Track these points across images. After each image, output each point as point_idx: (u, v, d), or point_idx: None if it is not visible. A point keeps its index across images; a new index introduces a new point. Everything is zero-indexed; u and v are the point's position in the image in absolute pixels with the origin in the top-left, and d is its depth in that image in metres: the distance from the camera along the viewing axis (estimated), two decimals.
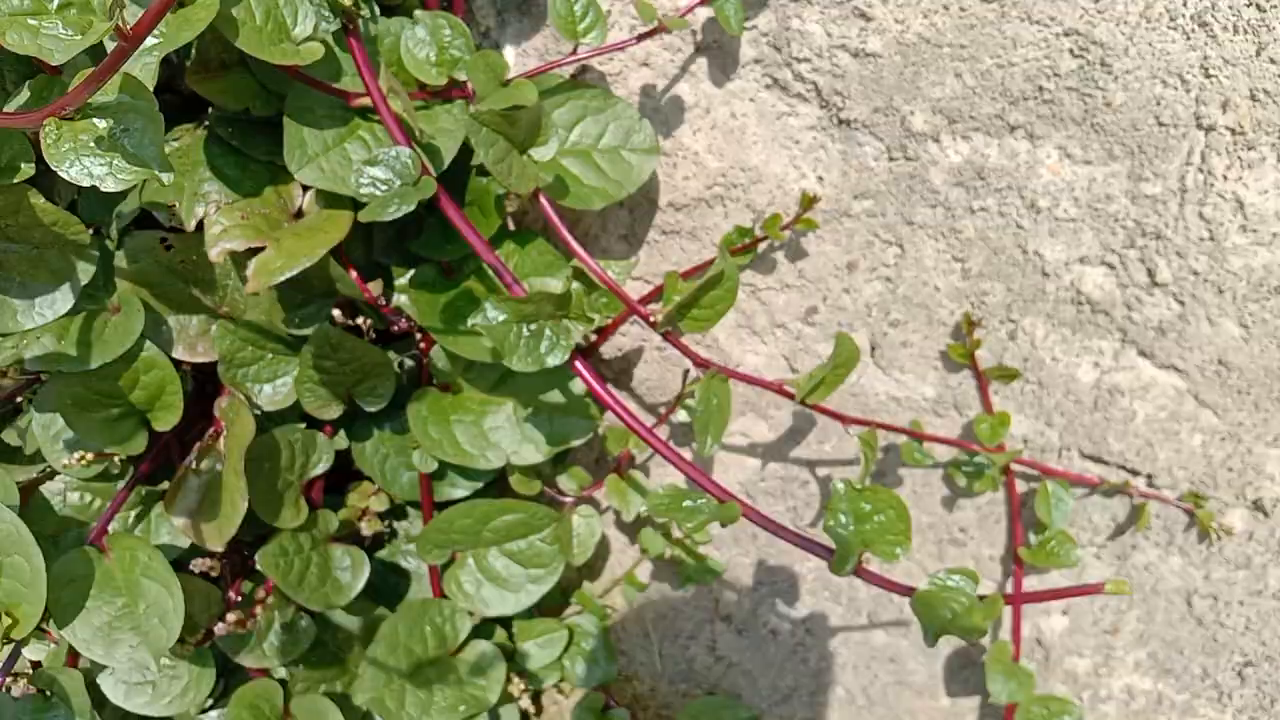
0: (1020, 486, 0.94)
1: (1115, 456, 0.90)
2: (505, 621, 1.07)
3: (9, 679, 0.79)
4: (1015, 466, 0.93)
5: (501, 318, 0.64)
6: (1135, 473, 0.91)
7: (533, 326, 0.66)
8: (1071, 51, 0.77)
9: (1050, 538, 0.91)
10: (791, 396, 0.80)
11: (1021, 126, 0.81)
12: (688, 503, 0.69)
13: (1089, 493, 0.92)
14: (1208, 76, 0.75)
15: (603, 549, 1.16)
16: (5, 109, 0.66)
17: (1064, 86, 0.78)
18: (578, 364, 0.71)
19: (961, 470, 0.93)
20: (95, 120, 0.54)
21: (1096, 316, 0.86)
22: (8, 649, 0.79)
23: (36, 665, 0.92)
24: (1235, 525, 0.90)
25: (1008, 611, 0.98)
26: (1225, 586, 0.93)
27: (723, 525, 0.68)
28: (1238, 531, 0.90)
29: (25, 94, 0.71)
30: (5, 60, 0.70)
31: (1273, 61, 0.73)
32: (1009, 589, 0.98)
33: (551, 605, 1.13)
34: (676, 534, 1.07)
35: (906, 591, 0.63)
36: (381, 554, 1.01)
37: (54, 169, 0.54)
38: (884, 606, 1.05)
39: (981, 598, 0.61)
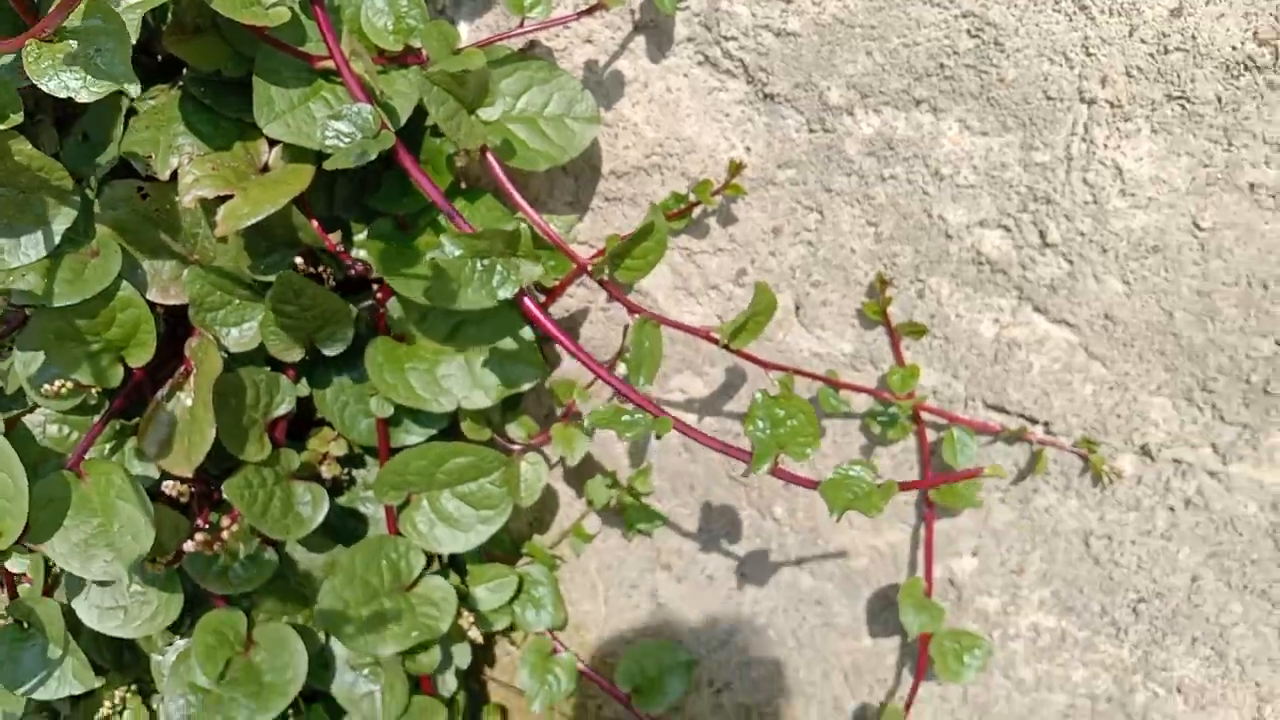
0: (930, 436, 1.03)
1: (1015, 405, 0.99)
2: (459, 568, 1.14)
3: None
4: (926, 416, 1.01)
5: (457, 252, 0.71)
6: (1033, 420, 0.99)
7: (485, 262, 0.74)
8: (969, 32, 0.85)
9: (956, 481, 1.00)
10: (717, 341, 0.88)
11: (926, 101, 0.89)
12: (626, 416, 0.76)
13: (992, 440, 1.01)
14: (1088, 55, 0.83)
15: (551, 503, 1.23)
16: None
17: (962, 64, 0.87)
18: (526, 301, 0.79)
19: (877, 420, 1.01)
20: (70, 41, 0.61)
21: (995, 275, 0.94)
22: None
23: (14, 596, 0.98)
24: (1125, 469, 0.99)
25: (921, 552, 1.07)
26: (1118, 527, 1.02)
27: (657, 437, 0.76)
28: (1127, 475, 0.99)
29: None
30: None
31: (1143, 41, 0.81)
32: (923, 531, 1.06)
33: (503, 555, 1.20)
34: (622, 483, 1.15)
35: (812, 485, 0.71)
36: (341, 500, 1.08)
37: (35, 83, 0.61)
38: (810, 550, 1.13)
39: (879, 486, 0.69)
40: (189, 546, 0.83)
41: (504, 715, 1.34)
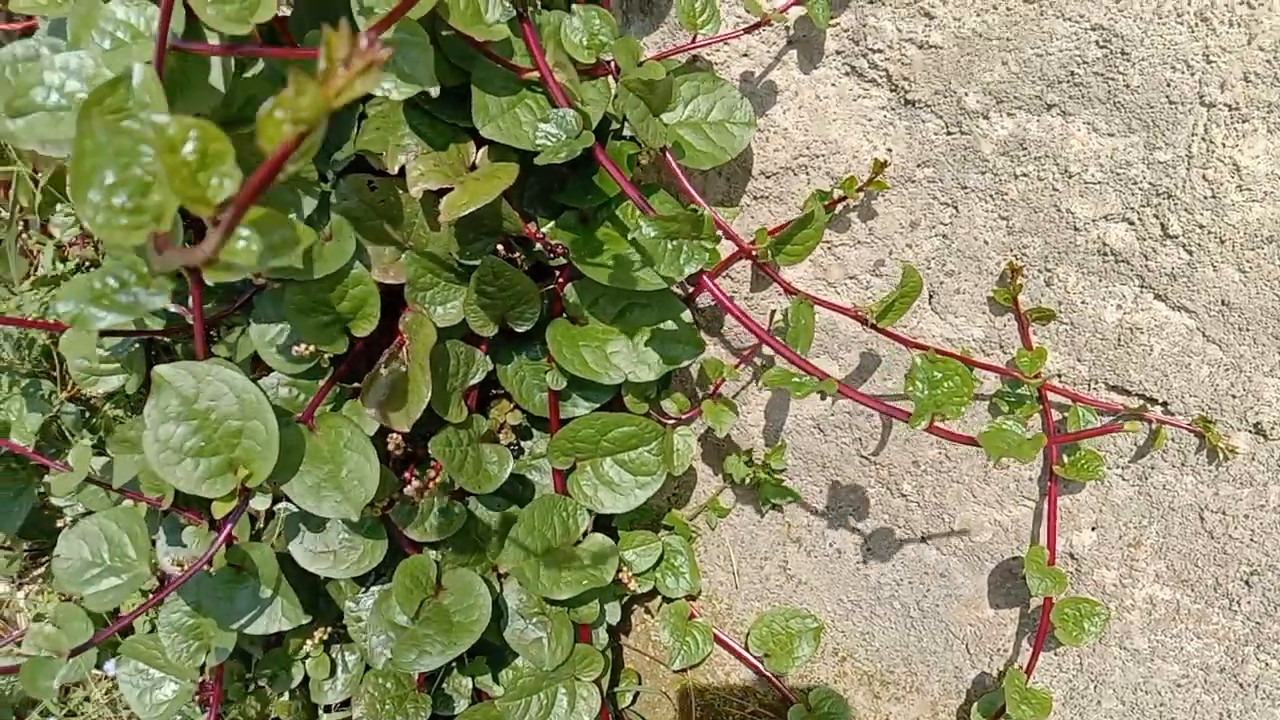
0: (1056, 416, 1.11)
1: (1136, 386, 1.07)
2: (611, 534, 1.25)
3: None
4: (1051, 396, 1.10)
5: (652, 233, 0.83)
6: (1152, 401, 1.07)
7: (674, 242, 0.85)
8: (1097, 43, 0.95)
9: (1081, 456, 1.08)
10: (865, 321, 0.98)
11: (1056, 105, 0.99)
12: (796, 378, 0.87)
13: (1113, 418, 1.09)
14: (1209, 62, 0.92)
15: (690, 480, 1.34)
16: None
17: (1091, 72, 0.96)
18: (705, 277, 0.90)
19: (1005, 399, 1.11)
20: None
21: (1119, 265, 1.03)
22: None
23: (230, 542, 1.12)
24: (1239, 447, 1.06)
25: (1043, 526, 1.15)
26: (1232, 502, 1.09)
27: (823, 398, 0.86)
28: (1241, 452, 1.06)
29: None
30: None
31: (1261, 49, 0.90)
32: (1045, 506, 1.15)
33: (646, 526, 1.31)
34: (757, 460, 1.25)
35: (970, 441, 0.81)
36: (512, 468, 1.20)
37: None
38: (936, 525, 1.22)
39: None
40: (409, 490, 0.96)
41: (638, 680, 1.44)
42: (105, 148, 0.46)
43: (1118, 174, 0.99)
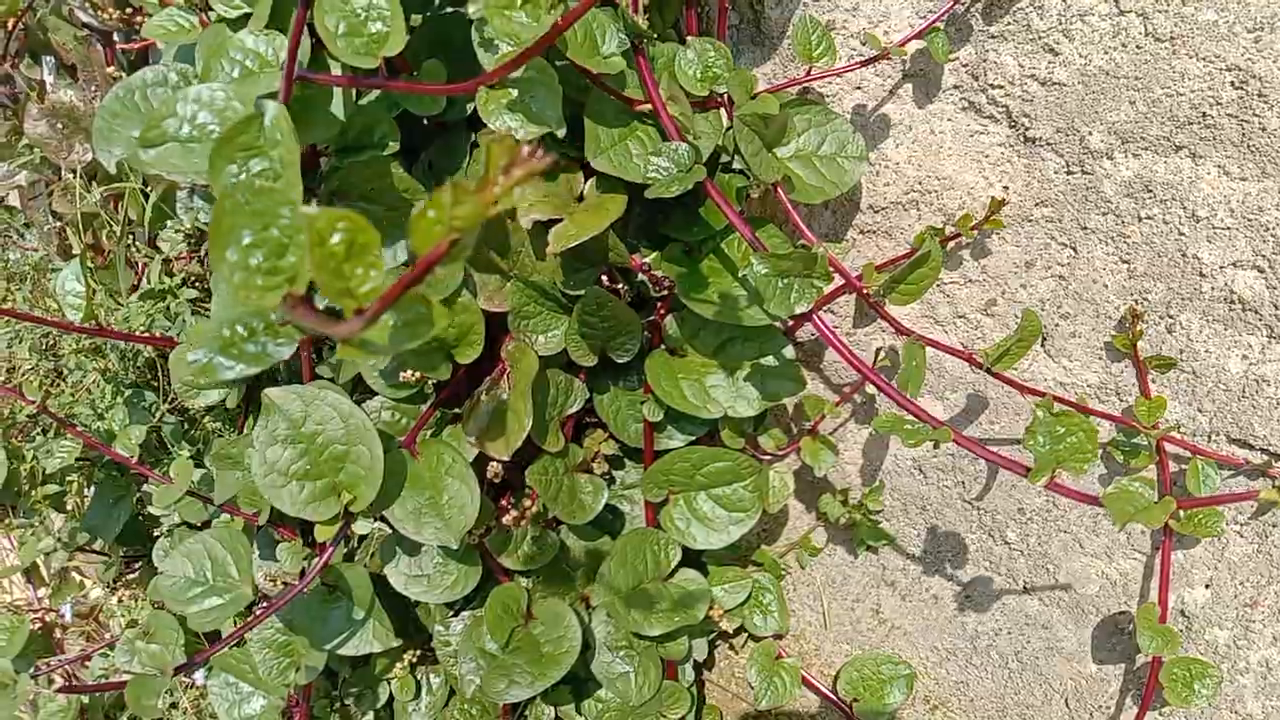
0: (1172, 467, 1.07)
1: (1260, 441, 1.02)
2: (700, 568, 1.23)
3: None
4: (1168, 448, 1.05)
5: (764, 271, 0.81)
6: (1277, 456, 1.02)
7: (785, 280, 0.84)
8: (1233, 84, 0.91)
9: (1200, 511, 1.03)
10: (980, 365, 0.95)
11: (1186, 147, 0.95)
12: (908, 425, 0.85)
13: (1234, 473, 1.04)
14: None
15: (781, 515, 1.32)
16: None
17: (1225, 114, 0.92)
18: (815, 316, 0.88)
19: (1120, 449, 1.06)
20: (511, 90, 0.74)
21: (1246, 314, 0.98)
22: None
23: (326, 561, 1.12)
24: None
25: (1153, 581, 1.10)
26: None
27: (936, 446, 0.83)
28: None
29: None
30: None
31: None
32: (1158, 561, 1.10)
33: (734, 561, 1.29)
34: (853, 500, 1.22)
35: (1093, 501, 0.77)
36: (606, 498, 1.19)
37: (485, 121, 0.74)
38: (1039, 575, 1.17)
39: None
40: (507, 520, 0.96)
41: (720, 717, 1.42)
42: (244, 207, 0.45)
43: (1249, 219, 0.95)
